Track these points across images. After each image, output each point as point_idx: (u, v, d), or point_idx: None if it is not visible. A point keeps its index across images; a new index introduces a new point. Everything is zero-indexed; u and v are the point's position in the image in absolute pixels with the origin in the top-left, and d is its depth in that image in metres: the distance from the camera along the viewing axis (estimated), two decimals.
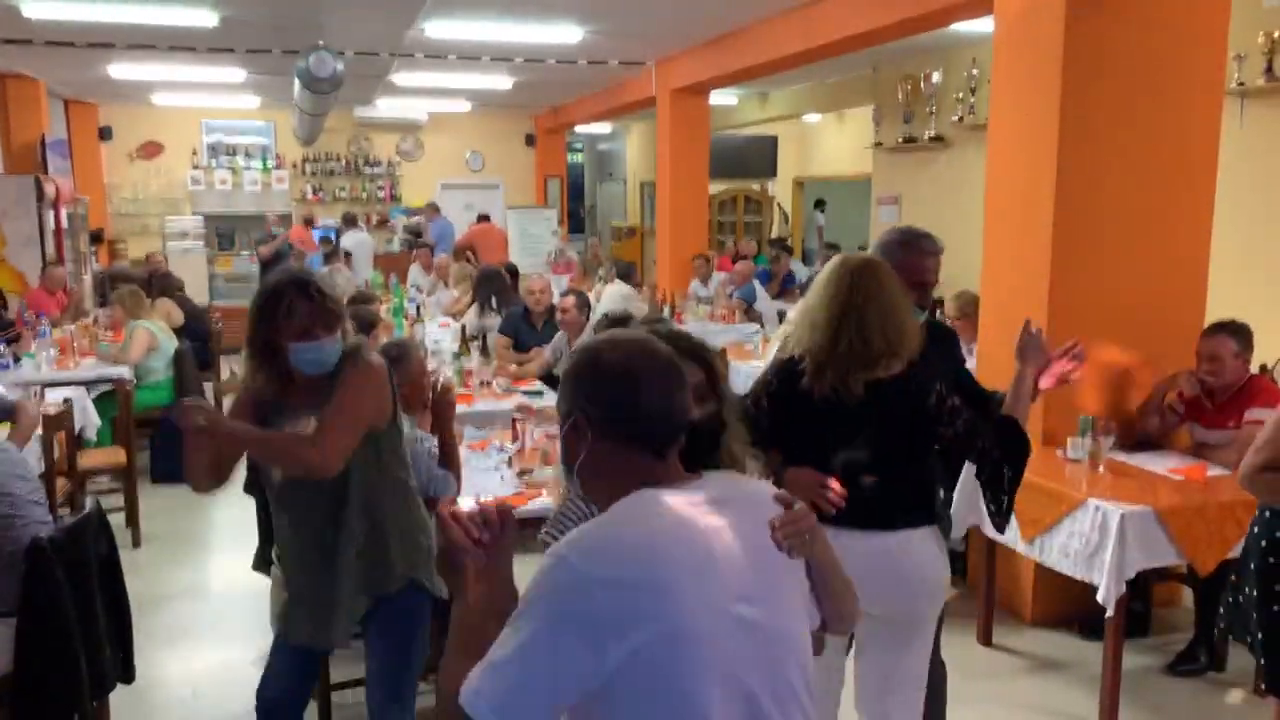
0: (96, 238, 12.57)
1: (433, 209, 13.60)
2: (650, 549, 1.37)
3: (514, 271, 8.62)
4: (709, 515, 1.44)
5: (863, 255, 2.69)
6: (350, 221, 12.97)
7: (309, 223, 13.15)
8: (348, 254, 11.08)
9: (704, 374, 1.87)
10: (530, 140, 15.70)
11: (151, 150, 13.92)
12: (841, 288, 2.50)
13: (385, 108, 13.87)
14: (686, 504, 1.44)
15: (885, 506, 2.50)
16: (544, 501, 3.44)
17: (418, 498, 2.78)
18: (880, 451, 2.49)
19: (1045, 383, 2.74)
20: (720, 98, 11.93)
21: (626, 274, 9.26)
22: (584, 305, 5.86)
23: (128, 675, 3.21)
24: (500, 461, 3.93)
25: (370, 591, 2.64)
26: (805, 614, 1.57)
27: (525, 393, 5.38)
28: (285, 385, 2.51)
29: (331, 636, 2.67)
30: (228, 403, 8.23)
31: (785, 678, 1.46)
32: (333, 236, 12.89)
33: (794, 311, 2.71)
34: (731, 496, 1.51)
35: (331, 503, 2.57)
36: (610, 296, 8.16)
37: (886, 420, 2.47)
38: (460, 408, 4.72)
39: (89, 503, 3.19)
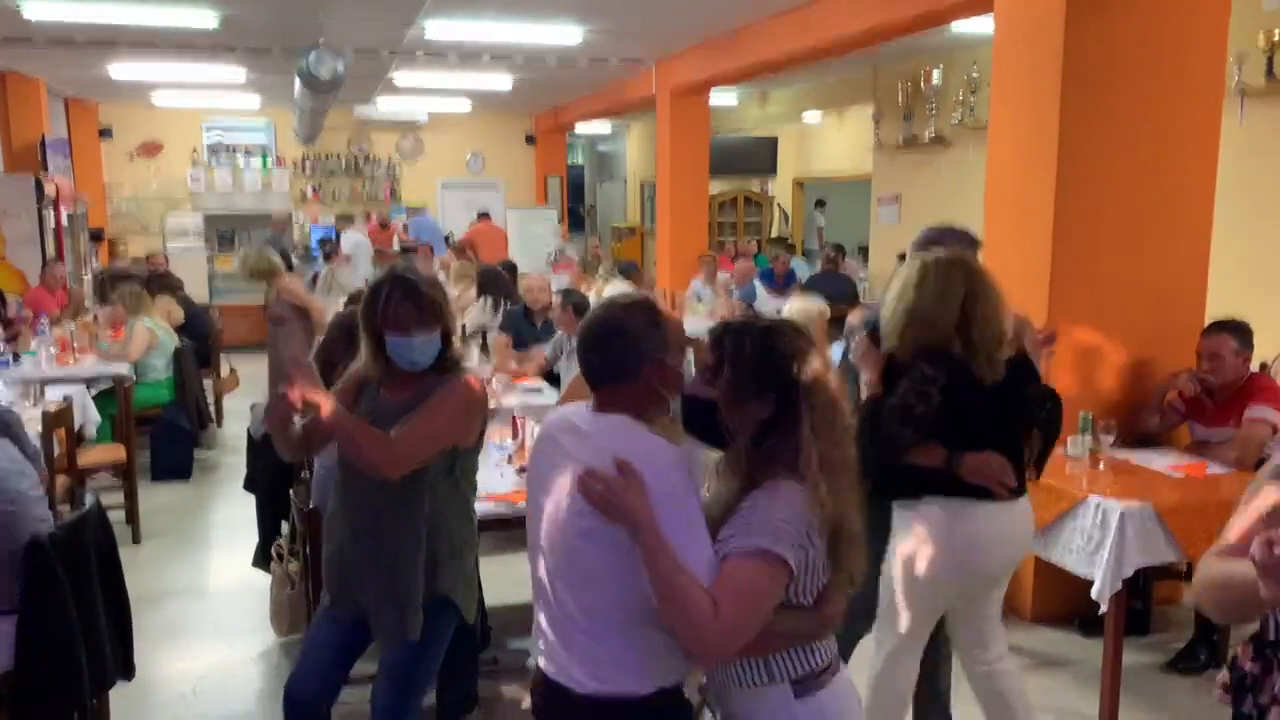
0: (96, 237, 12.57)
1: (412, 210, 13.72)
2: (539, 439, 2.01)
3: (512, 269, 8.62)
4: (572, 436, 1.88)
5: (954, 252, 2.83)
6: (349, 221, 12.97)
7: (384, 225, 13.26)
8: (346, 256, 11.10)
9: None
10: (530, 140, 15.70)
11: (152, 149, 13.92)
12: (955, 281, 2.70)
13: (385, 107, 13.86)
14: (569, 421, 1.91)
15: (1019, 474, 2.82)
16: None
17: (474, 522, 2.80)
18: (1014, 426, 2.84)
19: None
20: (720, 97, 11.93)
21: (629, 272, 9.26)
22: (574, 306, 5.82)
23: (128, 672, 3.21)
24: (501, 459, 3.93)
25: (411, 596, 2.60)
26: (573, 541, 1.83)
27: (525, 390, 5.38)
28: (388, 373, 2.65)
29: (369, 617, 2.64)
30: (228, 401, 8.26)
31: (543, 572, 1.89)
32: (333, 236, 12.90)
33: (885, 312, 2.83)
34: (597, 434, 1.84)
35: (399, 499, 2.58)
36: (610, 295, 8.16)
37: (1017, 395, 2.80)
38: None
39: (89, 500, 3.19)
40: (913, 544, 2.79)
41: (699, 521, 1.76)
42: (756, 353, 1.78)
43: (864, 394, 2.93)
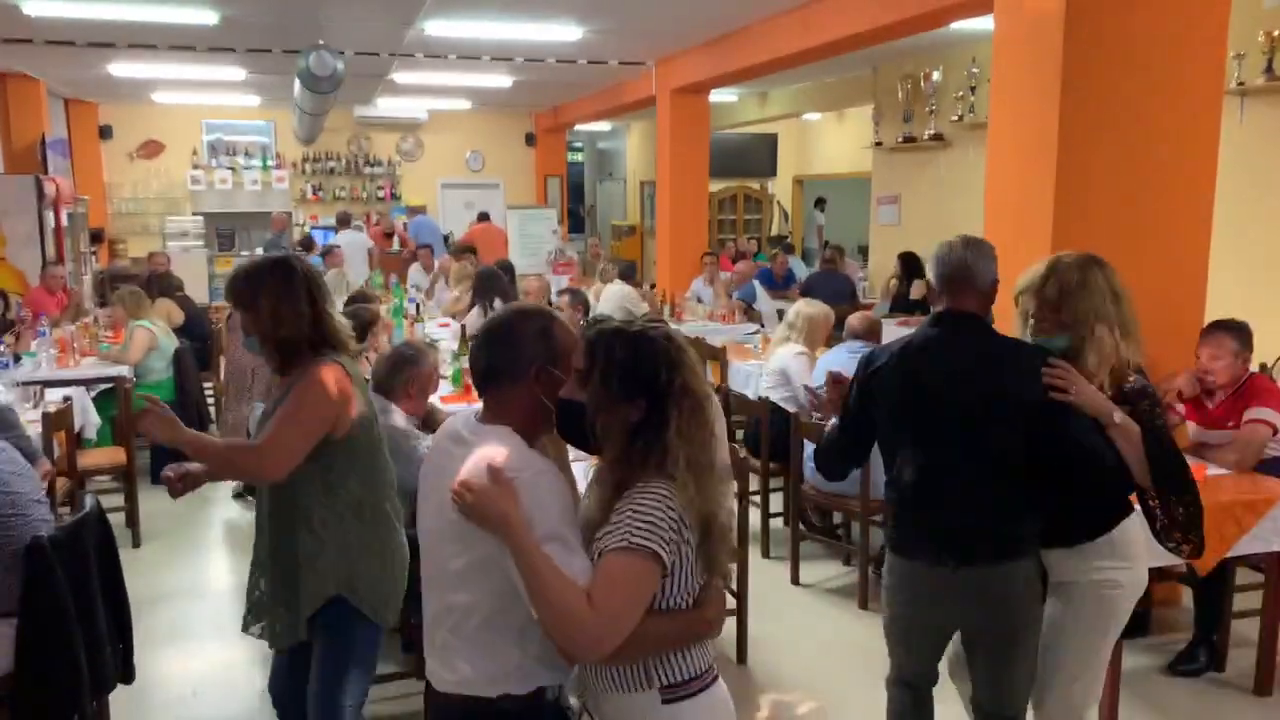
0: (96, 237, 12.58)
1: (411, 211, 13.73)
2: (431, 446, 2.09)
3: (508, 269, 8.60)
4: (455, 444, 1.92)
5: (1086, 255, 2.84)
6: (344, 221, 12.89)
7: (389, 234, 13.38)
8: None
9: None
10: (530, 139, 15.71)
11: (152, 149, 13.93)
12: (1114, 283, 2.78)
13: (385, 107, 13.87)
14: (456, 429, 1.97)
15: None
16: None
17: (388, 519, 2.72)
18: None
19: None
20: (720, 96, 11.94)
21: (627, 274, 9.25)
22: (584, 305, 5.85)
23: (128, 675, 3.21)
24: None
25: (295, 600, 2.62)
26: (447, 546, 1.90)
27: None
28: (274, 366, 2.69)
29: (271, 638, 2.71)
30: (228, 403, 8.24)
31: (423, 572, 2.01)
32: (330, 237, 12.88)
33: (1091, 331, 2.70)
34: (476, 443, 1.87)
35: (273, 506, 2.64)
36: (610, 296, 8.16)
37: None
38: (459, 406, 4.73)
39: (89, 502, 3.19)
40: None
41: (571, 525, 1.82)
42: (627, 358, 1.81)
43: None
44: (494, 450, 1.82)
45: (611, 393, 1.80)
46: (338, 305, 7.84)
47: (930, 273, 2.74)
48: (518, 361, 1.90)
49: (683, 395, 1.80)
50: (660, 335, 1.85)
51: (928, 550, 2.58)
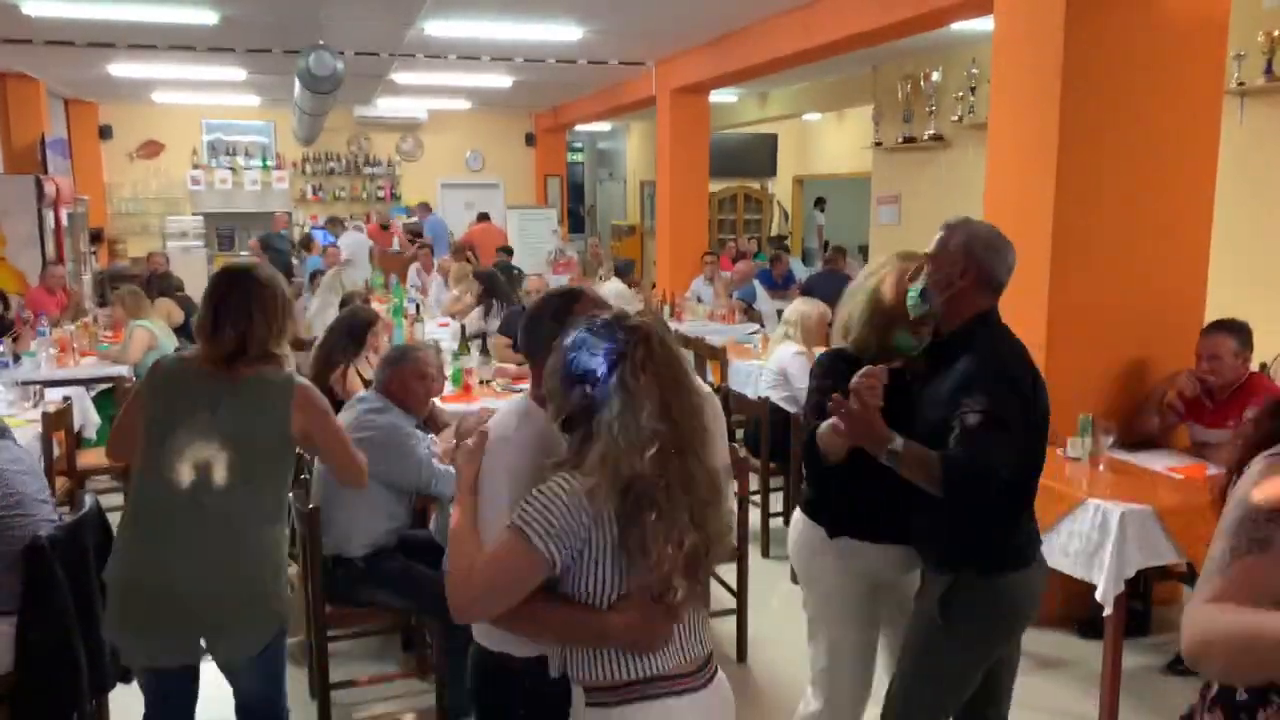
0: (96, 237, 12.57)
1: (424, 209, 13.63)
2: None
3: (508, 269, 8.60)
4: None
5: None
6: (334, 223, 12.77)
7: (385, 226, 13.36)
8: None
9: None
10: (530, 139, 15.70)
11: (152, 149, 13.93)
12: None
13: (385, 107, 13.87)
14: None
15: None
16: None
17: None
18: None
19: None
20: (720, 96, 11.93)
21: (623, 272, 9.25)
22: None
23: (127, 675, 3.20)
24: None
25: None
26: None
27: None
28: None
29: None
30: None
31: None
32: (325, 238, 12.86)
33: None
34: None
35: None
36: (606, 294, 8.13)
37: None
38: (461, 406, 4.74)
39: (88, 501, 3.19)
40: None
41: (518, 493, 1.81)
42: (571, 348, 1.80)
43: None
44: (493, 416, 2.01)
45: (553, 381, 1.81)
46: (334, 304, 7.82)
47: None
48: (538, 340, 1.99)
49: (617, 391, 1.75)
50: (614, 326, 1.80)
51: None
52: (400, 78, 10.63)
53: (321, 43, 7.68)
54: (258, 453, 2.56)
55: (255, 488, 2.57)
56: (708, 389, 2.29)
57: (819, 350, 5.45)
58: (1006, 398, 2.33)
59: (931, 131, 9.31)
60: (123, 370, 6.38)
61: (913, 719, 2.58)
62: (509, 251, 11.88)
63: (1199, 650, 1.34)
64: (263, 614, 2.61)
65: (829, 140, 14.23)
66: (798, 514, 2.74)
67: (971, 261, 2.43)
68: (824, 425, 2.40)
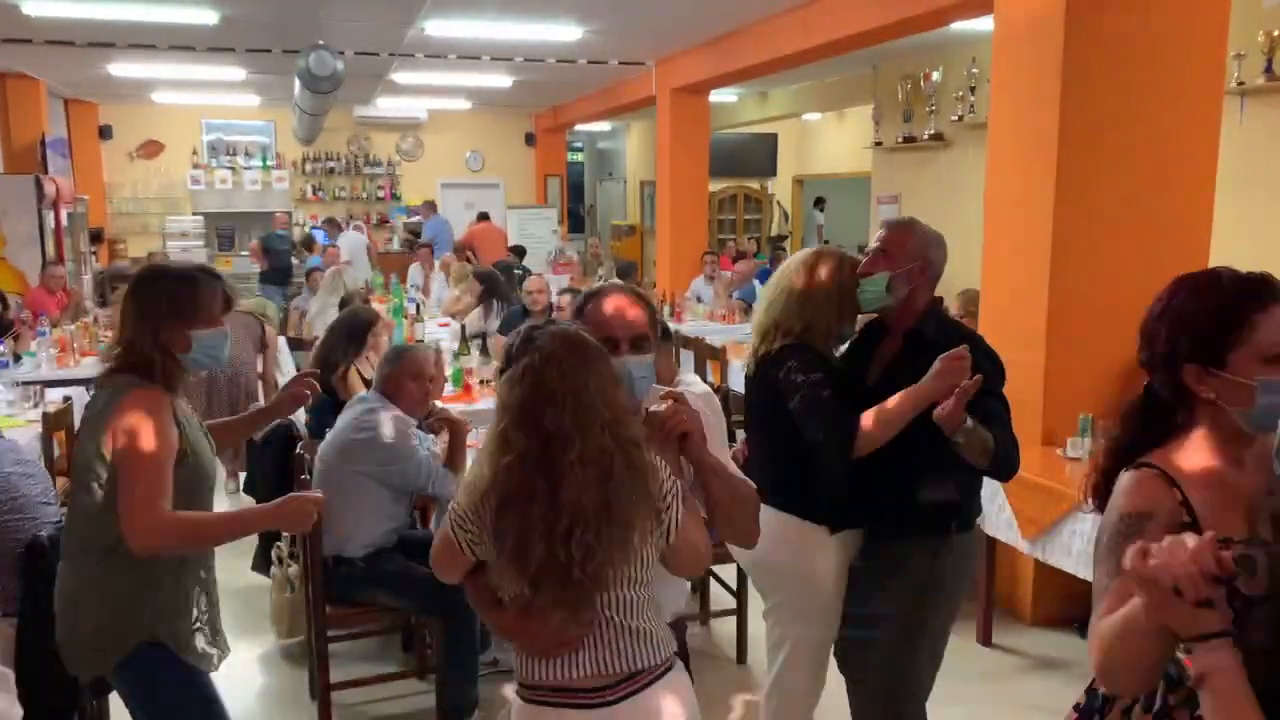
0: (96, 237, 12.57)
1: (429, 207, 13.60)
2: None
3: (508, 270, 8.60)
4: None
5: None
6: (331, 224, 12.72)
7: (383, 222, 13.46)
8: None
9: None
10: (530, 139, 15.70)
11: (152, 149, 13.93)
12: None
13: (385, 107, 13.86)
14: None
15: None
16: None
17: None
18: None
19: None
20: (720, 96, 11.93)
21: (625, 273, 9.25)
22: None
23: None
24: None
25: None
26: None
27: None
28: None
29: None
30: None
31: None
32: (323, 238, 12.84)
33: None
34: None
35: None
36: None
37: None
38: (460, 406, 4.73)
39: None
40: None
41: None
42: (511, 347, 1.89)
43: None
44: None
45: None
46: (333, 304, 7.82)
47: None
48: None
49: (505, 391, 1.82)
50: (521, 342, 1.85)
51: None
52: (400, 77, 10.63)
53: (321, 42, 7.68)
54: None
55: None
56: (705, 388, 2.30)
57: None
58: (999, 375, 2.60)
59: (931, 131, 9.31)
60: None
61: (907, 686, 2.67)
62: (521, 252, 11.87)
63: (1101, 666, 1.46)
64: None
65: (829, 140, 14.23)
66: (776, 515, 2.60)
67: (926, 259, 2.65)
68: (938, 411, 2.32)
